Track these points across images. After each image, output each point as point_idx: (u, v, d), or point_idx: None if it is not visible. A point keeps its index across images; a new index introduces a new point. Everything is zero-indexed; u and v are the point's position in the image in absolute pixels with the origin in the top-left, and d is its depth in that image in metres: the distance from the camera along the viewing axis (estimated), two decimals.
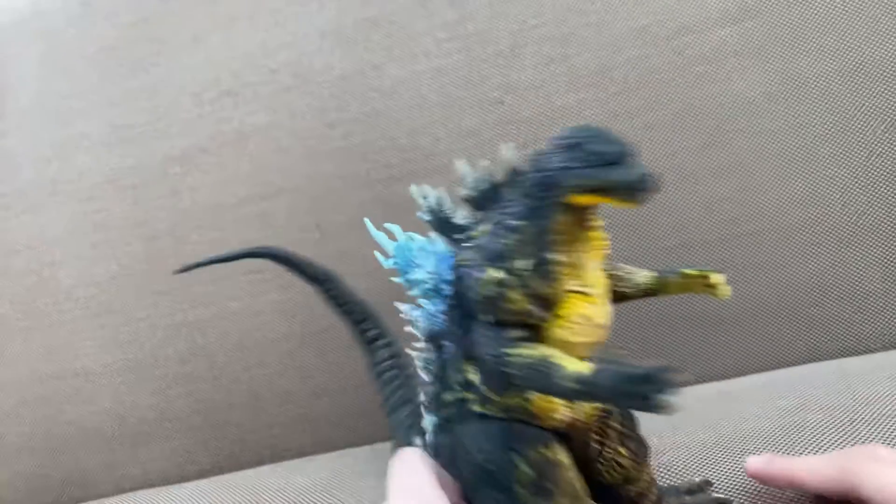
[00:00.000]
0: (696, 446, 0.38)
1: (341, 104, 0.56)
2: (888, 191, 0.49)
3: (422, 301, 0.31)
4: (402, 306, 0.32)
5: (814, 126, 0.50)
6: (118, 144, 0.60)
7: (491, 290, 0.27)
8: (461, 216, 0.30)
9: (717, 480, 0.35)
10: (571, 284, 0.27)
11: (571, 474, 0.28)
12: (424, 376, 0.32)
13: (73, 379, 0.60)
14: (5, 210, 0.62)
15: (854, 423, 0.36)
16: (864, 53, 0.49)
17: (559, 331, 0.27)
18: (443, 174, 0.54)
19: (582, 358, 0.26)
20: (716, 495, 0.34)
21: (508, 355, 0.26)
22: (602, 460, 0.30)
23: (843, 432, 0.36)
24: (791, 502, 0.32)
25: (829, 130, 0.50)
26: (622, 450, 0.30)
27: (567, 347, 0.27)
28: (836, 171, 0.50)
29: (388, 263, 0.32)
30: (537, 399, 0.28)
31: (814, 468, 0.30)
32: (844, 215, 0.50)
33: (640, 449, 0.31)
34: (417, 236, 0.31)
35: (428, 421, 0.32)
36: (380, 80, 0.56)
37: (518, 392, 0.28)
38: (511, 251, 0.27)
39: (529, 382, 0.26)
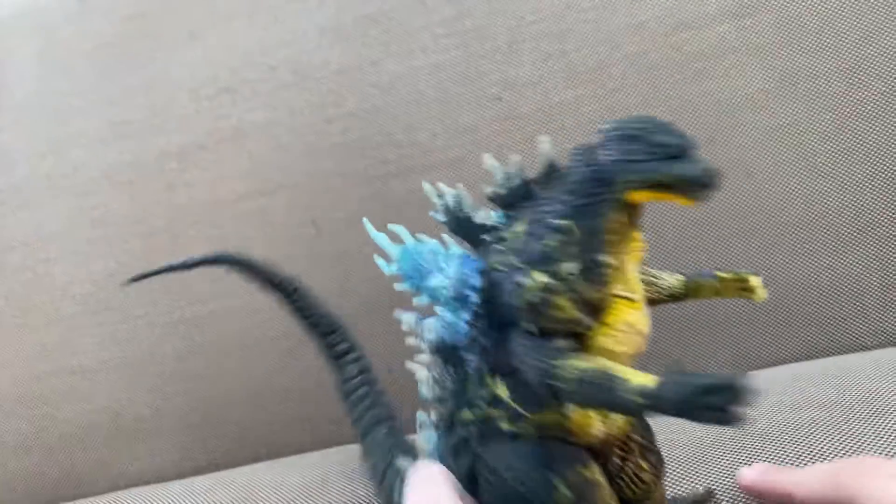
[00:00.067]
0: (692, 444, 0.38)
1: (339, 100, 0.56)
2: (886, 189, 0.49)
3: (439, 310, 0.28)
4: (405, 315, 0.29)
5: (812, 123, 0.50)
6: (115, 140, 0.60)
7: (536, 297, 0.25)
8: (482, 216, 0.28)
9: (714, 478, 0.35)
10: (617, 289, 0.25)
11: (608, 494, 0.26)
12: (428, 393, 0.29)
13: (70, 376, 0.60)
14: (1, 206, 0.62)
15: (849, 421, 0.36)
16: (862, 51, 0.49)
17: (603, 339, 0.25)
18: (441, 170, 0.54)
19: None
20: None
21: (557, 368, 0.24)
22: (624, 476, 0.28)
23: (838, 430, 0.36)
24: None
25: (828, 128, 0.50)
26: (644, 464, 0.28)
27: (610, 357, 0.25)
28: (834, 169, 0.50)
29: (390, 269, 0.29)
30: (576, 415, 0.26)
31: (806, 482, 0.29)
32: (842, 213, 0.50)
33: (659, 463, 0.29)
34: (427, 238, 0.29)
35: (430, 442, 0.30)
36: (378, 77, 0.56)
37: (556, 408, 0.26)
38: (556, 253, 0.25)
39: (584, 397, 0.24)
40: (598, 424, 0.26)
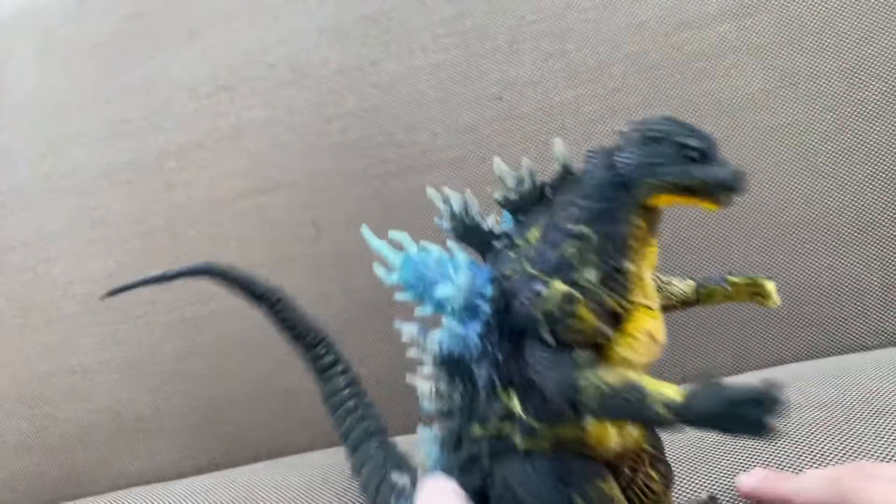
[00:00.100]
0: (692, 444, 0.38)
1: (339, 100, 0.56)
2: (887, 188, 0.49)
3: (447, 321, 0.27)
4: (406, 326, 0.28)
5: (812, 123, 0.50)
6: (114, 139, 0.60)
7: (556, 307, 0.24)
8: (491, 222, 0.27)
9: (714, 478, 0.35)
10: (637, 297, 0.24)
11: None
12: (432, 407, 0.28)
13: (70, 376, 0.60)
14: (1, 206, 0.62)
15: (850, 422, 0.36)
16: (863, 51, 0.49)
17: (622, 349, 0.24)
18: (441, 170, 0.54)
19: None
20: None
21: (580, 381, 0.23)
22: (634, 487, 0.27)
23: (839, 430, 0.36)
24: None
25: (828, 128, 0.50)
26: (654, 473, 0.27)
27: (628, 367, 0.24)
28: (834, 169, 0.50)
29: (391, 278, 0.27)
30: (593, 428, 0.25)
31: (806, 489, 0.29)
32: (842, 213, 0.50)
33: (668, 472, 0.28)
34: (431, 245, 0.27)
35: (432, 457, 0.28)
36: (378, 76, 0.56)
37: (574, 421, 0.25)
38: (575, 260, 0.24)
39: (609, 411, 0.23)
40: (615, 437, 0.25)
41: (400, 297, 0.27)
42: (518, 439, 0.25)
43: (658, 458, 0.28)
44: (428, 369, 0.27)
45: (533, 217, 0.26)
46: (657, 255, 0.26)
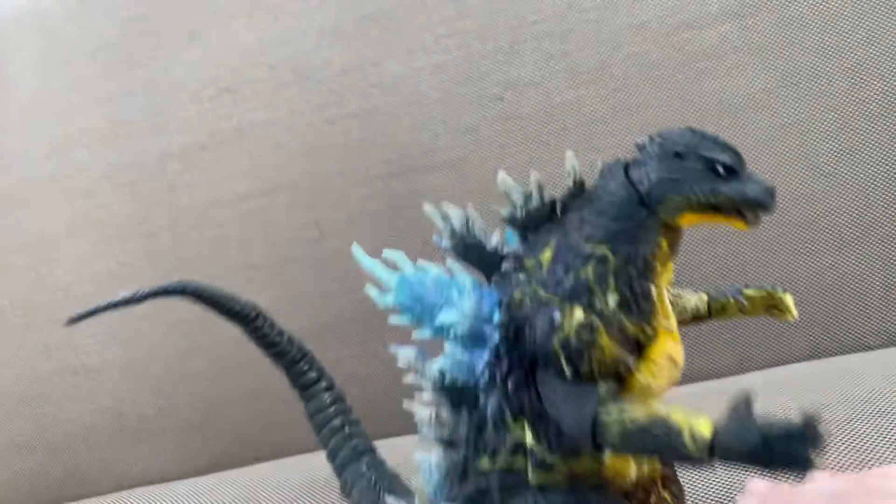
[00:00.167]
0: None
1: (340, 101, 0.56)
2: (889, 188, 0.49)
3: (450, 347, 0.25)
4: (402, 350, 0.25)
5: (814, 123, 0.50)
6: (116, 141, 0.60)
7: (574, 336, 0.22)
8: (496, 241, 0.25)
9: (714, 479, 0.35)
10: (659, 321, 0.23)
11: None
12: (433, 435, 0.25)
13: (72, 376, 0.60)
14: (3, 207, 0.62)
15: (852, 422, 0.36)
16: (864, 51, 0.49)
17: (642, 376, 0.22)
18: (442, 170, 0.54)
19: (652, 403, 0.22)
20: None
21: (602, 416, 0.21)
22: None
23: (841, 430, 0.36)
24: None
25: (830, 128, 0.50)
26: (667, 495, 0.26)
27: (647, 393, 0.22)
28: (836, 169, 0.50)
29: (385, 301, 0.25)
30: (612, 461, 0.23)
31: None
32: (844, 212, 0.50)
33: (680, 493, 0.27)
34: (429, 265, 0.25)
35: (431, 485, 0.26)
36: (379, 77, 0.56)
37: (591, 454, 0.23)
38: (592, 284, 0.22)
39: (634, 448, 0.21)
40: (633, 467, 0.24)
41: (395, 320, 0.25)
42: (531, 473, 0.24)
43: (671, 479, 0.26)
44: (427, 395, 0.25)
45: (543, 236, 0.24)
46: (673, 272, 0.24)
